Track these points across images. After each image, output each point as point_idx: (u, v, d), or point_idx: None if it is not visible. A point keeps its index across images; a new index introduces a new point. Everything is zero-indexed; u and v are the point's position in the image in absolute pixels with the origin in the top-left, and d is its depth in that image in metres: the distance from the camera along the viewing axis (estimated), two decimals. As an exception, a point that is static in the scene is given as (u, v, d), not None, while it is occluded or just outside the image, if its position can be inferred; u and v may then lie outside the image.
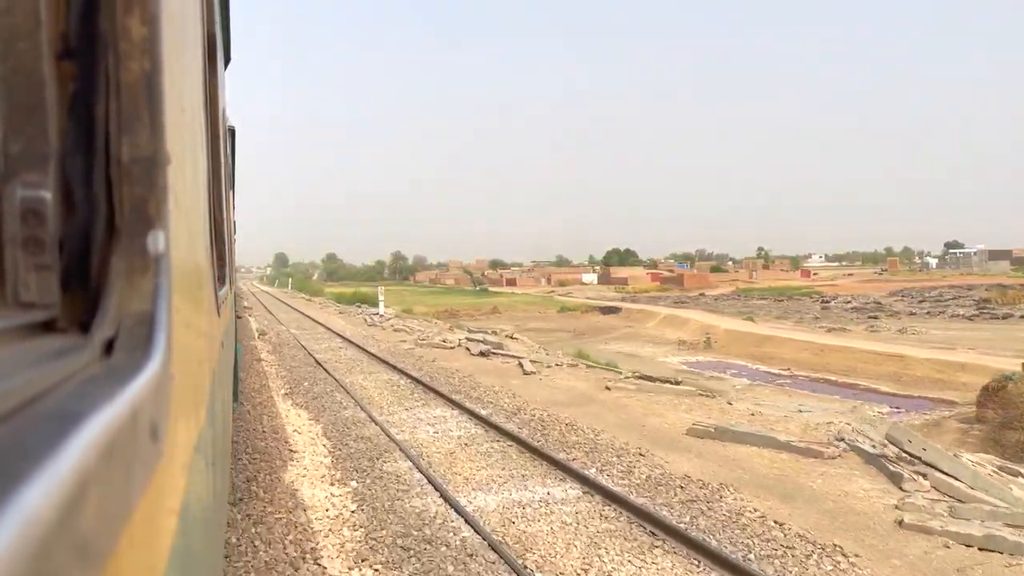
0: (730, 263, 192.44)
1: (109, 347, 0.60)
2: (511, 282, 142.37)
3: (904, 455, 7.86)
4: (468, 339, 21.35)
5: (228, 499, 5.13)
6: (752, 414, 10.95)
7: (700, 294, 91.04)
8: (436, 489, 7.19)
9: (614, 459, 8.23)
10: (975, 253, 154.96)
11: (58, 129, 0.59)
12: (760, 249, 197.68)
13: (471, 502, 6.85)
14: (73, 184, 0.61)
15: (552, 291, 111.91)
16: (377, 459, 8.38)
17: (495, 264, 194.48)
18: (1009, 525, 6.12)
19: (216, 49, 2.61)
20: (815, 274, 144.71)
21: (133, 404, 0.50)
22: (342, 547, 5.85)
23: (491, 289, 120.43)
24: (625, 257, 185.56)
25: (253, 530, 6.17)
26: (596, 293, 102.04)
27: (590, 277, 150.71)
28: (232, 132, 6.51)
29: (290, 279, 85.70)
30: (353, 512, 6.65)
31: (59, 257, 0.59)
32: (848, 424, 10.19)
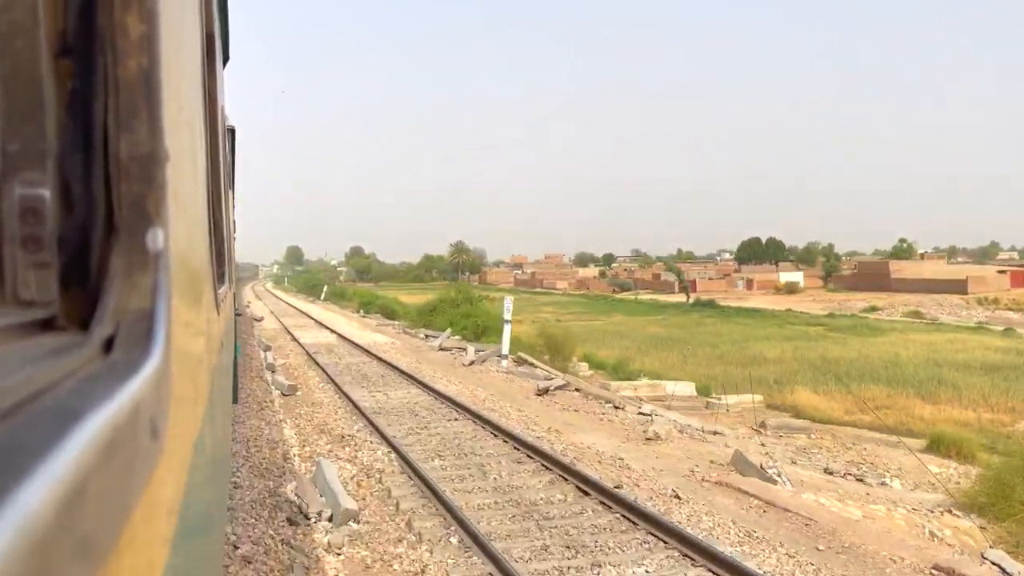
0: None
1: (108, 345, 0.60)
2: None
3: None
4: None
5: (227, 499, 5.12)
6: None
7: None
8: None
9: None
10: None
11: (56, 127, 0.59)
12: (902, 240, 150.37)
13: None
14: (72, 182, 0.60)
15: (915, 310, 62.28)
16: None
17: (591, 260, 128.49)
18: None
19: (215, 47, 2.61)
20: None
21: (133, 402, 0.50)
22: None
23: (718, 303, 70.30)
24: (768, 249, 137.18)
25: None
26: (985, 315, 57.79)
27: (790, 276, 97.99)
28: (232, 131, 6.49)
29: (461, 290, 36.07)
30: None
31: (58, 255, 0.59)
32: None
